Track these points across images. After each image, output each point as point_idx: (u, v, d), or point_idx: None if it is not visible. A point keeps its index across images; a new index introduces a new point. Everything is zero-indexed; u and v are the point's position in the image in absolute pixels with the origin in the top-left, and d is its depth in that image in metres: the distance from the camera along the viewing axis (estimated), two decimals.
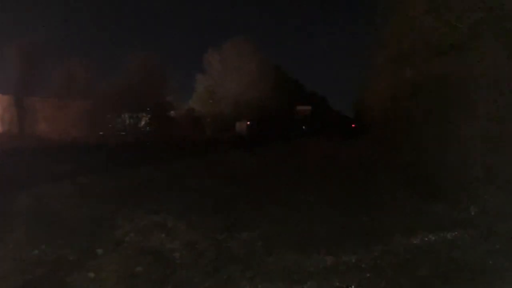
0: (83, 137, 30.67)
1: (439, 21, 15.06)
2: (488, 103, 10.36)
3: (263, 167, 13.50)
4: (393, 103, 19.98)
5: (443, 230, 5.91)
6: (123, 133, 40.09)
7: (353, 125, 52.38)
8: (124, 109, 39.65)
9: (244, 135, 47.24)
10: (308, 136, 38.66)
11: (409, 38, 17.41)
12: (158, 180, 10.38)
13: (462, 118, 10.80)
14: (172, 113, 47.44)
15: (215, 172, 11.88)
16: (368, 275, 4.44)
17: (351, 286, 4.18)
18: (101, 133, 37.13)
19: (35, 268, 4.66)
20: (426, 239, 5.55)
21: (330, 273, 4.51)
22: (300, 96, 60.10)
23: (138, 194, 8.54)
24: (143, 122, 42.11)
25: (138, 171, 11.79)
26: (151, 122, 42.28)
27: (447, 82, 14.27)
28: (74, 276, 4.47)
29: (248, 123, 51.90)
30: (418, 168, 11.32)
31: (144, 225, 6.50)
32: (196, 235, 6.03)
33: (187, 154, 17.75)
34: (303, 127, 57.36)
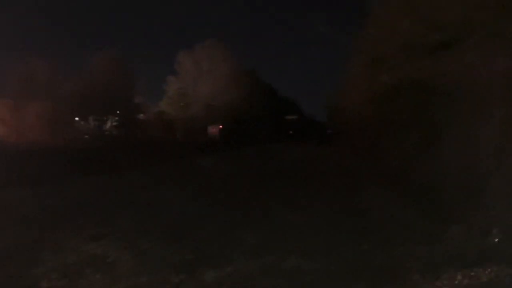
0: (41, 141, 28.32)
1: (421, 22, 14.08)
2: (494, 103, 9.25)
3: (237, 177, 11.86)
4: (373, 107, 18.92)
5: (472, 266, 4.50)
6: (87, 137, 37.82)
7: (328, 131, 51.60)
8: (88, 111, 37.33)
9: (217, 140, 45.66)
10: (284, 141, 37.30)
11: (388, 39, 16.43)
12: (108, 194, 8.57)
13: (468, 121, 9.62)
14: (141, 116, 45.46)
15: (181, 183, 10.17)
16: None
17: None
18: (65, 136, 34.84)
19: None
20: (456, 282, 4.13)
21: None
22: (274, 101, 58.91)
23: (79, 213, 6.80)
24: (108, 125, 39.86)
25: (87, 181, 9.96)
26: (117, 125, 40.09)
27: (434, 84, 13.24)
28: None
29: (221, 127, 50.34)
30: (412, 177, 10.05)
31: (75, 258, 4.83)
32: (144, 274, 4.43)
33: (151, 161, 15.92)
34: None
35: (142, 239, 5.55)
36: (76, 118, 38.95)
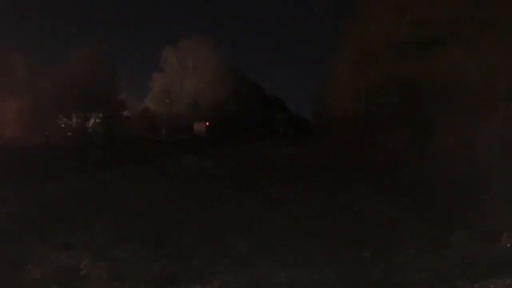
0: (20, 138, 27.31)
1: (409, 19, 13.78)
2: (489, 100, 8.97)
3: (224, 178, 11.19)
4: (361, 104, 18.57)
5: (487, 277, 4.05)
6: (70, 134, 36.80)
7: (316, 128, 51.45)
8: (70, 107, 36.20)
9: (203, 137, 44.98)
10: (271, 139, 36.73)
11: (377, 36, 16.09)
12: (85, 196, 7.86)
13: (463, 118, 9.31)
14: (125, 112, 44.46)
15: (164, 184, 9.51)
16: None
17: None
18: (46, 133, 33.77)
19: None
20: None
21: None
22: (260, 98, 58.42)
23: (49, 218, 6.14)
24: (91, 122, 38.81)
25: (62, 182, 9.21)
26: (100, 122, 39.07)
27: (423, 81, 12.95)
28: None
29: (207, 124, 49.64)
30: (407, 177, 9.65)
31: (41, 272, 4.25)
32: None
33: (133, 159, 15.12)
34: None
35: (119, 247, 4.99)
36: (60, 116, 37.88)
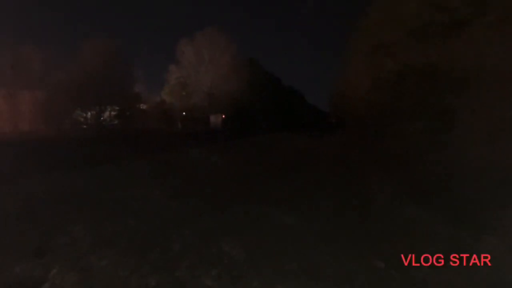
0: (33, 132, 27.39)
1: (427, 3, 12.87)
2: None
3: (233, 172, 10.35)
4: (378, 94, 17.70)
5: None
6: (85, 126, 36.90)
7: (332, 120, 50.63)
8: (85, 100, 36.17)
9: (219, 129, 44.71)
10: (287, 131, 36.05)
11: (394, 23, 15.19)
12: (76, 193, 7.21)
13: (486, 109, 8.45)
14: (141, 105, 44.46)
15: (168, 179, 8.81)
16: None
17: None
18: (60, 126, 33.89)
19: None
20: None
21: None
22: (277, 90, 57.66)
23: (27, 219, 5.50)
24: (106, 115, 38.77)
25: (58, 177, 8.64)
26: (116, 115, 39.03)
27: (441, 69, 12.10)
28: None
29: (223, 116, 49.31)
30: (427, 173, 8.83)
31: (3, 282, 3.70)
32: None
33: (142, 152, 14.51)
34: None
35: (96, 253, 4.39)
36: (76, 109, 37.97)
